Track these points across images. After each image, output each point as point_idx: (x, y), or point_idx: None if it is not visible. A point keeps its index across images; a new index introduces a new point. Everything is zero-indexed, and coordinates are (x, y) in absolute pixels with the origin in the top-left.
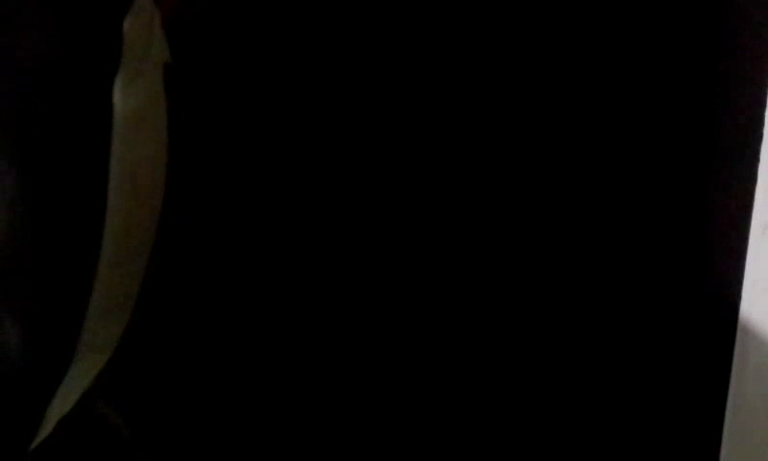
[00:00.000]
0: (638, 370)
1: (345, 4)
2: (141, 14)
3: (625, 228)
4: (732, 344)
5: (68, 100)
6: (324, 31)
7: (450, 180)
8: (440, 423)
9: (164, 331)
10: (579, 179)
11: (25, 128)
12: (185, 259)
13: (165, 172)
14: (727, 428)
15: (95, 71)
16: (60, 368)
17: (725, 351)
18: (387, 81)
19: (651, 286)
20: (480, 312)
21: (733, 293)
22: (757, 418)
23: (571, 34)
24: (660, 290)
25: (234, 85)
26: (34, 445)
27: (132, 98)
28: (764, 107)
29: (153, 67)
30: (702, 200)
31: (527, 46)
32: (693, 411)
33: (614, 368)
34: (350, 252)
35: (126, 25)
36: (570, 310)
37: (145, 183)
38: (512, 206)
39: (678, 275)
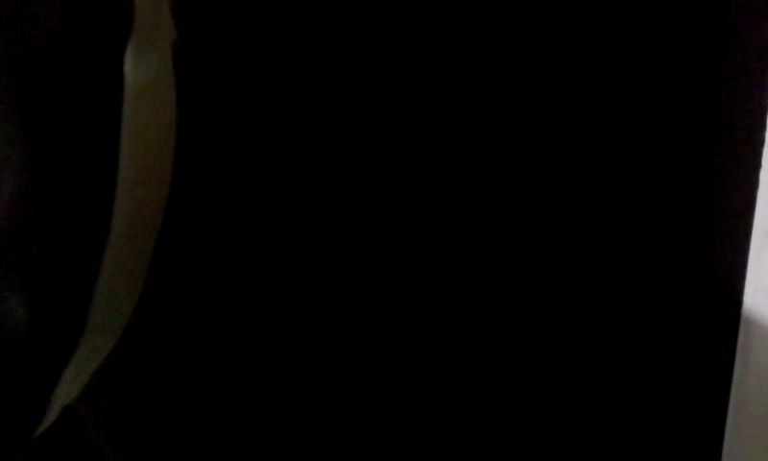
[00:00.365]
0: (639, 374)
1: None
2: None
3: (623, 232)
4: (734, 351)
5: (79, 67)
6: (326, 20)
7: (450, 179)
8: (440, 423)
9: (159, 337)
10: (578, 185)
11: (34, 94)
12: (187, 254)
13: (174, 150)
14: (728, 435)
15: (106, 38)
16: (68, 345)
17: (726, 358)
18: (386, 77)
19: (651, 291)
20: (479, 306)
21: (735, 300)
22: (760, 423)
23: (571, 36)
24: (660, 297)
25: (239, 75)
26: (38, 431)
27: (143, 69)
28: (766, 111)
29: (163, 41)
30: (702, 205)
31: (527, 46)
32: (695, 417)
33: (617, 372)
34: (350, 250)
35: None
36: (571, 313)
37: (155, 156)
38: (513, 208)
39: (678, 281)
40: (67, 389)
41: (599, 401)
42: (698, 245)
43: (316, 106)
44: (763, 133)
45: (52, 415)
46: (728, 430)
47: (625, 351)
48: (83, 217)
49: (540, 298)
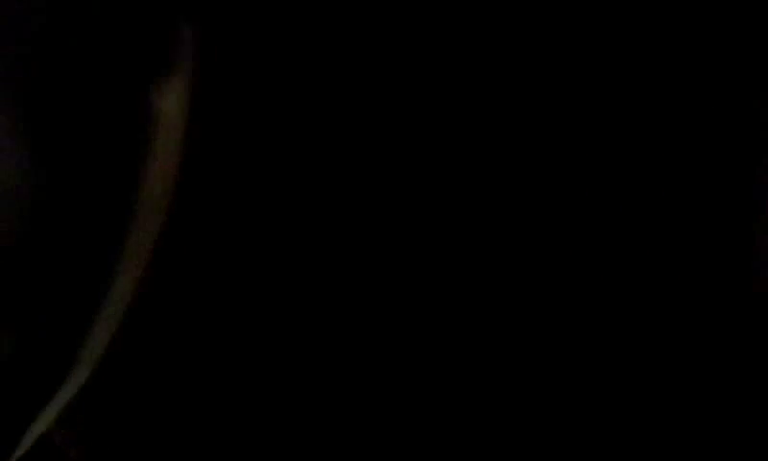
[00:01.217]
0: (680, 382)
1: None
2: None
3: (665, 239)
4: None
5: (115, 101)
6: (324, 25)
7: (464, 180)
8: (442, 423)
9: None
10: (619, 190)
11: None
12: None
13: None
14: None
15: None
16: (53, 386)
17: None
18: (385, 78)
19: (693, 298)
20: (514, 312)
21: None
22: None
23: (618, 37)
24: (702, 304)
25: (233, 73)
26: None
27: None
28: None
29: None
30: (745, 211)
31: (548, 45)
32: (741, 425)
33: (660, 379)
34: (351, 251)
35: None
36: (615, 318)
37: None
38: (555, 214)
39: (721, 289)
40: (43, 421)
41: (648, 407)
42: (741, 252)
43: (307, 103)
44: None
45: (24, 446)
46: None
47: (668, 360)
48: (89, 250)
49: (586, 302)
